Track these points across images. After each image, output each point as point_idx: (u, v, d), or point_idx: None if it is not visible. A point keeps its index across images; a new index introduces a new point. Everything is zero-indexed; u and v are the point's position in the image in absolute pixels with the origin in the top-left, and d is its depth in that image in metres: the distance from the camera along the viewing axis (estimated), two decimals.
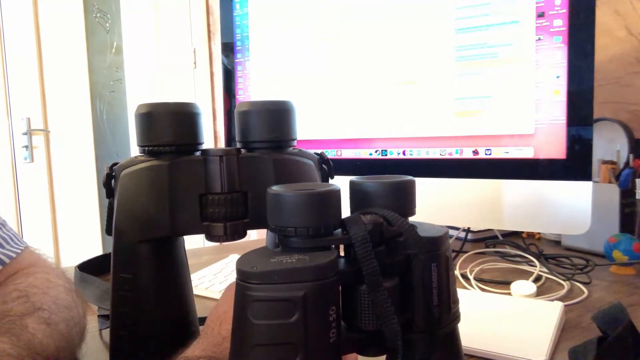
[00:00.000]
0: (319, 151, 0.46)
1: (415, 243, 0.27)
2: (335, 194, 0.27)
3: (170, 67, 2.23)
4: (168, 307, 0.42)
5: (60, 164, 2.00)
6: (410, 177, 0.31)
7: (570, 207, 0.52)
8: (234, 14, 0.75)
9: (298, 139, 0.45)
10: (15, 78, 1.89)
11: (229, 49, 0.77)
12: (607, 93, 0.98)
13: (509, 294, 0.63)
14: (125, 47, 2.19)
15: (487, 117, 0.57)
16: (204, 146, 0.42)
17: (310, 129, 0.70)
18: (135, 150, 0.42)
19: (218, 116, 2.24)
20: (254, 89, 0.75)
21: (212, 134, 2.24)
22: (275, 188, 0.28)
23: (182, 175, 0.40)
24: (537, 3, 0.53)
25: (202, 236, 0.41)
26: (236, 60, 0.76)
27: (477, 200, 0.58)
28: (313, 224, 0.26)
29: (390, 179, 0.30)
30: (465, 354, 0.43)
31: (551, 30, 0.52)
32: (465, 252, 0.83)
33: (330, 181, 0.46)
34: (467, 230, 0.89)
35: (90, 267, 0.62)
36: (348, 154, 0.68)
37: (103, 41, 2.16)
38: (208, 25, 2.22)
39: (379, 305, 0.26)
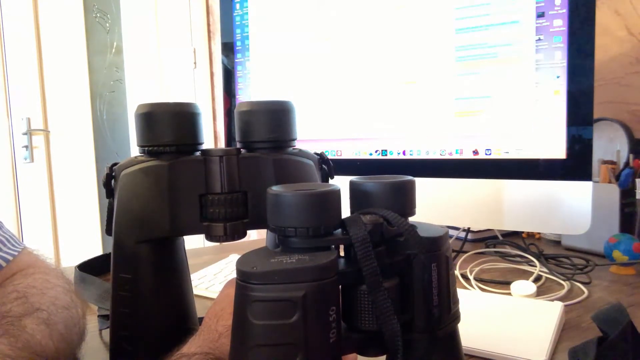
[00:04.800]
0: (319, 151, 0.46)
1: (415, 243, 0.27)
2: (335, 194, 0.27)
3: (170, 67, 2.23)
4: (168, 307, 0.42)
5: (60, 164, 2.00)
6: (410, 177, 0.31)
7: (570, 207, 0.52)
8: (234, 14, 0.75)
9: (298, 139, 0.44)
10: (15, 78, 1.89)
11: (229, 49, 0.77)
12: (607, 93, 0.98)
13: (509, 294, 0.63)
14: (125, 47, 2.18)
15: (487, 117, 0.57)
16: (204, 146, 0.42)
17: (310, 129, 0.70)
18: (135, 150, 0.42)
19: (218, 116, 2.24)
20: (254, 89, 0.75)
21: (212, 134, 2.24)
22: (275, 188, 0.28)
23: (182, 175, 0.40)
24: (537, 3, 0.53)
25: (202, 236, 0.41)
26: (236, 60, 0.76)
27: (477, 200, 0.58)
28: (313, 224, 0.26)
29: (390, 179, 0.30)
30: (465, 354, 0.43)
31: (551, 30, 0.52)
32: (465, 252, 0.83)
33: (330, 181, 0.46)
34: (467, 230, 0.89)
35: (90, 267, 0.62)
36: (348, 154, 0.68)
37: (103, 41, 2.16)
38: (208, 25, 2.22)
39: (379, 305, 0.26)
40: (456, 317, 0.30)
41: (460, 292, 0.35)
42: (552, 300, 0.60)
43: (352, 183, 0.31)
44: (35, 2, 1.92)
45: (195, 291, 0.59)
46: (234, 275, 0.34)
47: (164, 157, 0.40)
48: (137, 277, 0.40)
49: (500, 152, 0.56)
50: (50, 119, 1.98)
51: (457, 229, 0.93)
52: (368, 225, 0.27)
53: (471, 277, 0.70)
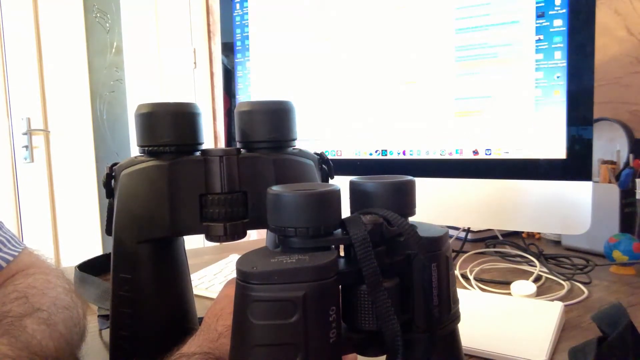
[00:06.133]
0: (319, 151, 0.46)
1: (415, 243, 0.27)
2: (335, 194, 0.27)
3: (170, 67, 2.23)
4: (168, 307, 0.42)
5: (60, 164, 2.00)
6: (410, 177, 0.31)
7: (570, 207, 0.52)
8: (234, 14, 0.75)
9: (298, 139, 0.44)
10: (15, 78, 1.89)
11: (229, 49, 0.77)
12: (607, 93, 0.98)
13: (509, 294, 0.63)
14: (125, 47, 2.18)
15: (487, 117, 0.57)
16: (204, 146, 0.42)
17: (310, 129, 0.70)
18: (135, 150, 0.42)
19: (218, 116, 2.24)
20: (254, 89, 0.75)
21: (212, 134, 2.24)
22: (275, 188, 0.28)
23: (182, 175, 0.40)
24: (537, 3, 0.53)
25: (202, 236, 0.41)
26: (236, 60, 0.76)
27: (477, 200, 0.58)
28: (313, 224, 0.26)
29: (390, 179, 0.30)
30: (465, 354, 0.43)
31: (551, 30, 0.52)
32: (465, 252, 0.83)
33: (330, 181, 0.46)
34: (467, 230, 0.89)
35: (90, 267, 0.62)
36: (348, 154, 0.68)
37: (103, 41, 2.16)
38: (208, 25, 2.22)
39: (379, 305, 0.26)
40: (456, 317, 0.30)
41: (460, 292, 0.35)
42: (552, 300, 0.60)
43: (352, 183, 0.31)
44: (35, 2, 1.92)
45: (195, 291, 0.59)
46: (234, 275, 0.34)
47: (164, 157, 0.40)
48: (137, 277, 0.40)
49: (500, 152, 0.56)
50: (50, 119, 1.98)
51: (457, 229, 0.93)
52: (368, 225, 0.27)
53: (471, 277, 0.70)
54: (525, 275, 0.72)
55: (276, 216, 0.27)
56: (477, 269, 0.76)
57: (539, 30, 0.53)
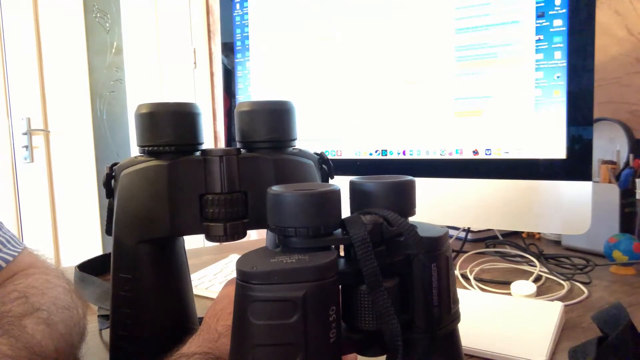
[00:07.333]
0: (319, 151, 0.46)
1: (415, 243, 0.27)
2: (335, 194, 0.27)
3: (170, 67, 2.23)
4: (168, 307, 0.42)
5: (60, 164, 2.00)
6: (410, 177, 0.31)
7: (570, 207, 0.52)
8: (234, 14, 0.75)
9: (298, 139, 0.44)
10: (15, 78, 1.89)
11: (229, 49, 0.77)
12: (607, 93, 0.97)
13: (509, 294, 0.63)
14: (125, 47, 2.18)
15: (487, 117, 0.57)
16: (204, 146, 0.42)
17: (310, 129, 0.70)
18: (135, 150, 0.42)
19: (218, 116, 2.24)
20: (254, 89, 0.75)
21: (212, 134, 2.24)
22: (275, 188, 0.28)
23: (182, 175, 0.40)
24: (537, 3, 0.53)
25: (202, 236, 0.41)
26: (236, 60, 0.76)
27: (477, 200, 0.58)
28: (313, 224, 0.26)
29: (390, 179, 0.30)
30: (465, 354, 0.43)
31: (551, 30, 0.52)
32: (465, 252, 0.82)
33: (330, 181, 0.46)
34: (467, 230, 0.89)
35: (90, 267, 0.62)
36: (348, 154, 0.68)
37: (103, 41, 2.16)
38: (208, 25, 2.22)
39: (379, 305, 0.26)
40: (456, 317, 0.30)
41: (460, 292, 0.35)
42: (552, 300, 0.60)
43: (352, 183, 0.31)
44: (35, 2, 1.92)
45: (195, 291, 0.59)
46: (234, 275, 0.34)
47: (164, 157, 0.40)
48: (137, 277, 0.40)
49: (500, 152, 0.56)
50: (50, 119, 1.98)
51: (457, 229, 0.93)
52: (368, 225, 0.27)
53: (471, 277, 0.70)
54: (525, 275, 0.72)
55: (276, 216, 0.27)
56: (477, 269, 0.76)
57: (539, 30, 0.53)
